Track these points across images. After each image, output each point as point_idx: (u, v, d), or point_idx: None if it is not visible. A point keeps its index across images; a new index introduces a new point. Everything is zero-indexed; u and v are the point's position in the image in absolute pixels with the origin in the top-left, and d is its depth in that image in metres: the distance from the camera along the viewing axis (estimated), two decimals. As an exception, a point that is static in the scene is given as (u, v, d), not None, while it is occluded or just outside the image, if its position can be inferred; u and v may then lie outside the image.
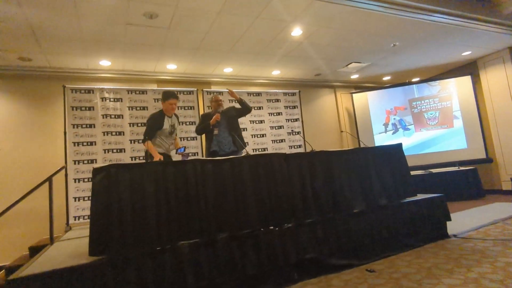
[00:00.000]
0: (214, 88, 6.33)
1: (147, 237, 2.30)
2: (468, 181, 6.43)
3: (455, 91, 7.12)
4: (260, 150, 6.28)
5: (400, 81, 8.02)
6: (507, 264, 2.58)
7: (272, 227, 2.74)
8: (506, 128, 6.55)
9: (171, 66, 5.66)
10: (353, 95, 7.66)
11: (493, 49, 6.47)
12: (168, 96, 3.75)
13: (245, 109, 4.19)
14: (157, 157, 3.47)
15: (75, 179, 4.84)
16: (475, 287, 2.22)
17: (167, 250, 2.31)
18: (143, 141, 3.68)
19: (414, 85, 7.44)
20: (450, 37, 5.51)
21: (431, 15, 4.48)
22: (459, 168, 6.74)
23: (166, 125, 3.75)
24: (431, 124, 7.20)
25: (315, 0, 3.87)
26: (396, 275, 2.61)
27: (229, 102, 5.95)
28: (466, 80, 7.06)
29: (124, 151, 5.24)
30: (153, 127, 3.69)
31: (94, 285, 2.02)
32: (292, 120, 6.74)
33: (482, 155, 6.79)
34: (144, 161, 4.92)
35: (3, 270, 3.30)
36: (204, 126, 4.13)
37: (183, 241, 2.40)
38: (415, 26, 4.92)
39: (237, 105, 4.28)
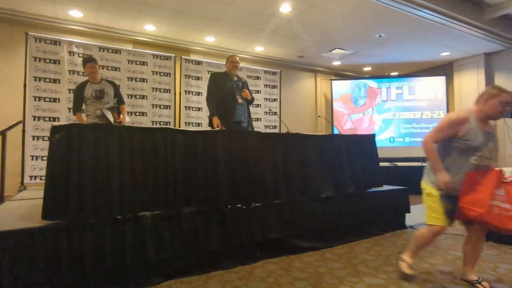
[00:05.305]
0: (193, 57, 6.05)
1: (107, 205, 2.17)
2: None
3: (428, 90, 7.32)
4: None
5: (380, 73, 8.12)
6: (456, 257, 2.73)
7: (240, 205, 2.70)
8: (470, 131, 6.87)
9: (150, 27, 5.31)
10: (333, 82, 7.67)
11: (470, 53, 6.68)
12: (85, 62, 3.73)
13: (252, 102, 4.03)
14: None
15: (33, 137, 4.49)
16: (426, 277, 2.34)
17: (128, 220, 2.20)
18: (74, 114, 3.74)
19: (391, 79, 7.55)
20: (434, 35, 5.59)
21: (420, 10, 4.48)
22: (422, 164, 7.05)
23: (88, 91, 3.63)
24: (402, 119, 7.41)
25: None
26: (355, 261, 2.69)
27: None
28: (441, 80, 7.27)
29: (91, 112, 4.91)
30: (75, 98, 3.68)
31: (45, 250, 1.88)
32: (271, 100, 6.65)
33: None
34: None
35: None
36: (226, 100, 3.61)
37: (146, 211, 2.30)
38: (402, 20, 4.91)
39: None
